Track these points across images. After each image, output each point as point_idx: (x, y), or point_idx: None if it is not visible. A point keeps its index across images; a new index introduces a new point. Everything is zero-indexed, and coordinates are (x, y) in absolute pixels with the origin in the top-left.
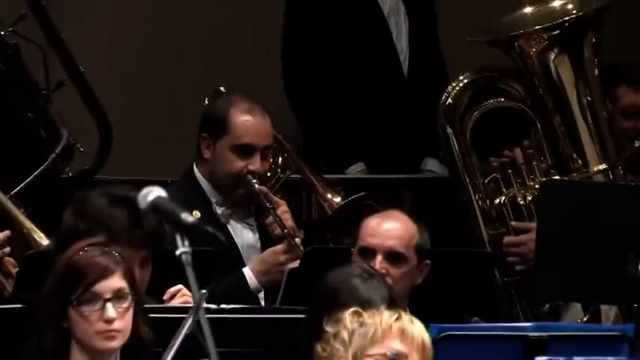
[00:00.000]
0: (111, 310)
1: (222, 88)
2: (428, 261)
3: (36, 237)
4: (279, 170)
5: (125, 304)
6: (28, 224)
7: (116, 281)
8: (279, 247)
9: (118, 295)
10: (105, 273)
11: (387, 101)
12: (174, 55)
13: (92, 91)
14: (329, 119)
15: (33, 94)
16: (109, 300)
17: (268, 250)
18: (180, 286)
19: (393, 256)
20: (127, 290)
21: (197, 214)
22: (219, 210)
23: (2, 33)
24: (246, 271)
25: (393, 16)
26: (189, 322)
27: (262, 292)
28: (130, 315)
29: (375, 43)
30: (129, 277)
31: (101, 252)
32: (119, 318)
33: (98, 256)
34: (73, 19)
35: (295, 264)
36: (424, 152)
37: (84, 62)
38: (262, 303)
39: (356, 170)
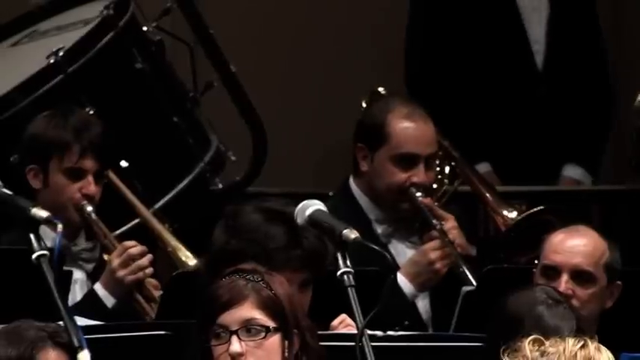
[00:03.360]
0: (235, 345)
1: (380, 90)
2: (619, 282)
3: (182, 256)
4: (445, 181)
5: (257, 338)
6: (174, 242)
7: (246, 311)
8: (430, 244)
9: (247, 327)
10: (232, 301)
11: (516, 98)
12: (337, 53)
13: (245, 93)
14: (453, 116)
15: (179, 96)
16: (234, 332)
17: (418, 250)
18: (343, 315)
19: (580, 276)
20: (262, 322)
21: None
22: (379, 229)
23: (145, 28)
24: (399, 277)
25: None
26: None
27: (430, 315)
28: (268, 351)
29: (501, 31)
30: (269, 306)
31: (240, 278)
32: (248, 354)
33: (231, 283)
34: (223, 13)
35: (467, 283)
36: (563, 157)
37: (236, 61)
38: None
39: (481, 171)
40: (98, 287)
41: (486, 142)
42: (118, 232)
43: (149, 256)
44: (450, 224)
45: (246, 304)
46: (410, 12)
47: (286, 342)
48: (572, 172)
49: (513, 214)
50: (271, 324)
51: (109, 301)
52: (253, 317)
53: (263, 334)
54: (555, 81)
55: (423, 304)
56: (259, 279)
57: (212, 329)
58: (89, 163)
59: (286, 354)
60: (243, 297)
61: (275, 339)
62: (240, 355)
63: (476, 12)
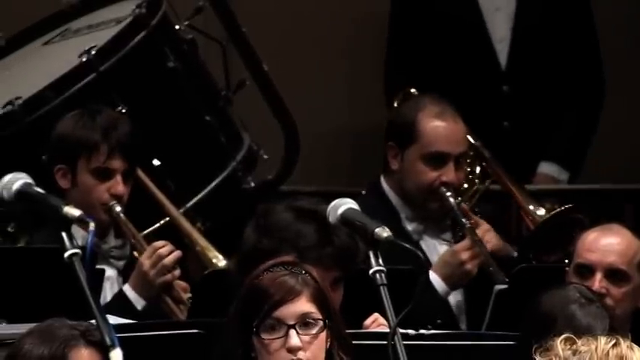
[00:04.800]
0: (294, 338)
1: (413, 91)
2: None
3: (210, 256)
4: (476, 181)
5: (313, 331)
6: (202, 242)
7: (302, 305)
8: (460, 244)
9: (304, 321)
10: (288, 296)
11: (481, 98)
12: (370, 51)
13: (277, 91)
14: None
15: (211, 95)
16: (292, 326)
17: (448, 250)
18: (376, 315)
19: (614, 274)
20: (316, 315)
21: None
22: (409, 226)
23: (178, 27)
24: (431, 275)
25: None
26: None
27: (462, 310)
28: (320, 344)
29: (464, 32)
30: (319, 299)
31: (287, 272)
32: (305, 347)
33: (282, 277)
34: (255, 12)
35: (503, 283)
36: (537, 156)
37: (268, 59)
38: (463, 325)
39: None
40: (127, 289)
41: None
42: (146, 231)
43: (177, 253)
44: (484, 227)
45: (301, 299)
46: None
47: (333, 335)
48: (547, 168)
49: (542, 212)
50: (323, 317)
51: (139, 303)
52: (310, 311)
53: (318, 328)
54: (521, 79)
55: (454, 299)
56: (304, 272)
57: (265, 323)
58: (117, 163)
59: (327, 345)
60: (298, 291)
61: (325, 332)
62: (300, 348)
63: (441, 14)
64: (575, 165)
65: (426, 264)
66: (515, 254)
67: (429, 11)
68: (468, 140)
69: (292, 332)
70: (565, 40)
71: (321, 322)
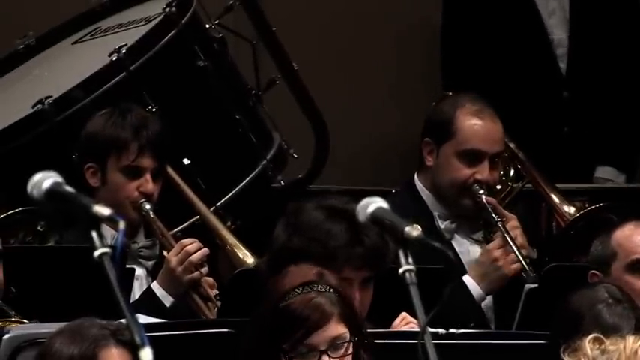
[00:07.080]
0: None
1: (450, 93)
2: None
3: (239, 254)
4: (509, 184)
5: (345, 353)
6: (232, 240)
7: (333, 328)
8: (492, 243)
9: (335, 345)
10: (320, 321)
11: (540, 103)
12: (398, 51)
13: (307, 90)
14: None
15: (241, 93)
16: (324, 352)
17: (482, 250)
18: (403, 314)
19: None
20: (346, 335)
21: (417, 228)
22: (442, 224)
23: (208, 26)
24: (467, 279)
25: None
26: None
27: (493, 315)
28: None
29: (523, 35)
30: (348, 317)
31: (315, 292)
32: None
33: (313, 299)
34: (285, 10)
35: (532, 282)
36: (593, 160)
37: (297, 58)
38: (492, 325)
39: None
40: (156, 286)
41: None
42: (175, 230)
43: (204, 250)
44: (512, 224)
45: (332, 323)
46: (442, 21)
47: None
48: (603, 172)
49: (571, 211)
50: (353, 336)
51: (167, 300)
52: (340, 334)
53: (348, 349)
54: (580, 84)
55: (484, 302)
56: (329, 287)
57: (298, 349)
58: (147, 162)
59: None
60: (328, 316)
61: (352, 347)
62: None
63: (499, 19)
64: (630, 166)
65: (456, 263)
66: (535, 255)
67: (486, 16)
68: (505, 141)
69: (325, 358)
70: (622, 41)
71: (352, 343)
